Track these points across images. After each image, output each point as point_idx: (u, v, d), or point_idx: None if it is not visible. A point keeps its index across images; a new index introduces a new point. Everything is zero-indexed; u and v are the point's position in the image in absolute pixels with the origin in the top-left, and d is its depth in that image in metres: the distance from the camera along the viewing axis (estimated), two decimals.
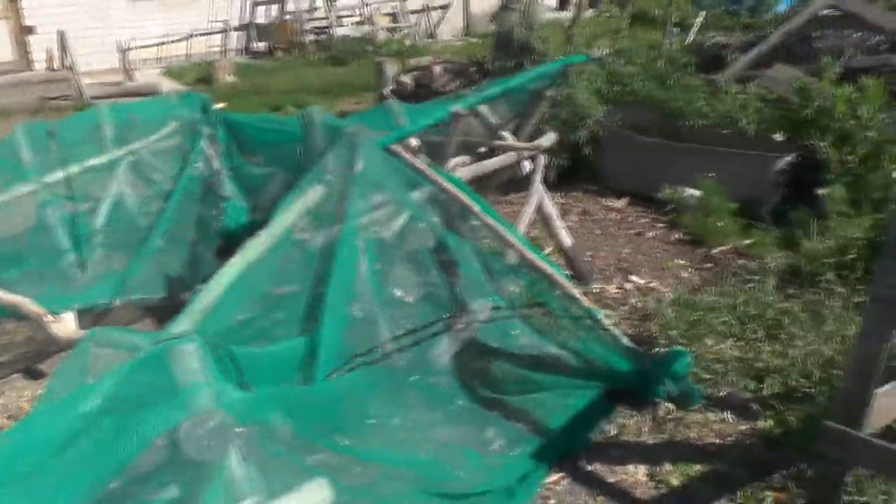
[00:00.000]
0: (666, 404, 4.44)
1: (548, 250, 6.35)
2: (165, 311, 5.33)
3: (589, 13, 18.64)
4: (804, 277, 5.72)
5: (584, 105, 7.96)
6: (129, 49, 16.99)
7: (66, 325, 4.61)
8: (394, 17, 20.80)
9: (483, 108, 5.55)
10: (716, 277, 6.07)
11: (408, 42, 19.39)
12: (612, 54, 9.43)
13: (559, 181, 8.16)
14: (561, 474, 4.03)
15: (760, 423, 4.33)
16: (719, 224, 6.80)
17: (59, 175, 6.30)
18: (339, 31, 19.02)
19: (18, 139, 6.19)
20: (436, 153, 5.17)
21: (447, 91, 9.37)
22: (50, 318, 4.49)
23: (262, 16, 19.37)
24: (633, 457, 4.14)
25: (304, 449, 2.92)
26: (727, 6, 15.69)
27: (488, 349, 4.52)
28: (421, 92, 9.95)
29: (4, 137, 6.31)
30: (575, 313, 4.45)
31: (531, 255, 4.49)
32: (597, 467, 4.08)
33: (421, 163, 4.58)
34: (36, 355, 5.39)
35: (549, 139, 6.11)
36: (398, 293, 4.37)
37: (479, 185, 5.77)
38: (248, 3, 19.11)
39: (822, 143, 6.76)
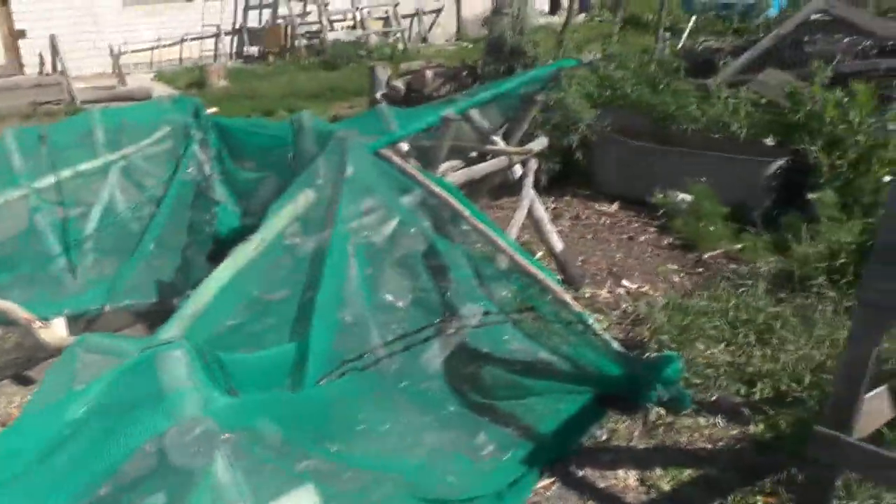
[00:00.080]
0: (657, 409, 4.44)
1: (539, 255, 6.35)
2: (157, 316, 5.32)
3: (581, 17, 18.69)
4: (795, 282, 5.73)
5: (575, 109, 7.96)
6: (121, 53, 16.96)
7: (55, 330, 4.60)
8: (386, 21, 20.80)
9: (474, 113, 5.55)
10: (707, 282, 6.08)
11: (400, 46, 19.40)
12: (603, 58, 9.44)
13: (551, 185, 8.17)
14: (551, 479, 4.02)
15: (751, 428, 4.34)
16: (711, 228, 6.81)
17: (50, 180, 6.28)
18: (332, 36, 19.01)
19: (9, 144, 6.17)
20: (427, 158, 5.17)
21: (439, 95, 9.36)
22: (38, 324, 4.48)
23: (254, 20, 19.34)
24: (624, 462, 4.13)
25: (293, 455, 2.91)
26: (718, 11, 15.73)
27: (479, 354, 4.51)
28: (413, 96, 9.95)
29: None
30: (566, 318, 4.45)
31: (522, 259, 4.49)
32: (587, 472, 4.08)
33: (411, 167, 4.58)
34: (26, 361, 5.37)
35: (539, 144, 6.12)
36: (389, 298, 4.36)
37: (471, 189, 5.77)
38: (240, 8, 19.08)
39: (812, 148, 6.78)
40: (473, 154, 5.77)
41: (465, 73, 10.21)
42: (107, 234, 6.39)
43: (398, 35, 20.31)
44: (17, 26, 15.83)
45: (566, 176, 8.36)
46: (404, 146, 4.93)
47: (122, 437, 2.42)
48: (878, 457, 3.22)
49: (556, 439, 4.20)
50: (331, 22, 19.45)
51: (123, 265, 6.16)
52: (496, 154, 5.71)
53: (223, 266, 3.77)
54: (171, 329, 3.07)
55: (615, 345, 4.51)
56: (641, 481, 4.00)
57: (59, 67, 15.78)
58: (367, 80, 11.64)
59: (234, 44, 19.21)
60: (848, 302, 5.22)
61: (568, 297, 4.54)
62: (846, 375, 3.33)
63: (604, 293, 6.05)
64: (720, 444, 4.25)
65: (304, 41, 19.00)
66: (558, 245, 6.03)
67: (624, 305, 5.78)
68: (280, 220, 4.16)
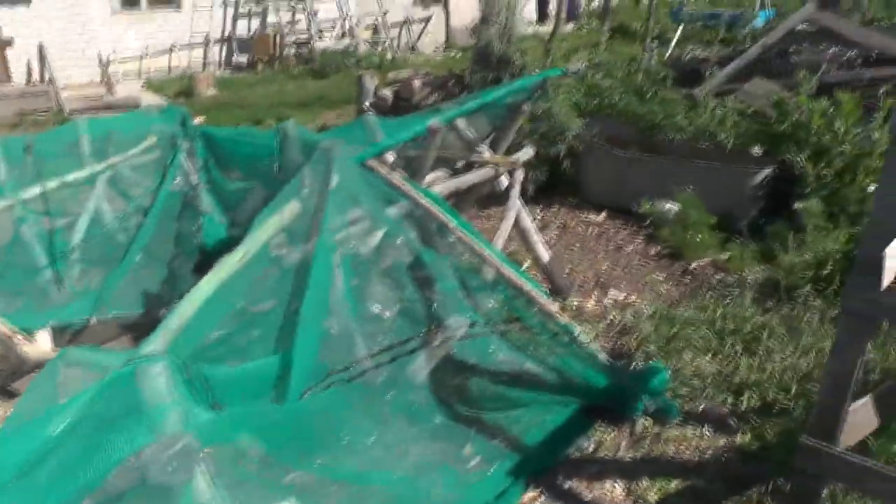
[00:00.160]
0: (643, 420, 4.44)
1: (526, 265, 6.35)
2: (143, 327, 5.28)
3: (569, 27, 18.75)
4: (782, 291, 5.75)
5: (562, 119, 7.97)
6: (109, 62, 16.91)
7: (39, 343, 4.56)
8: (375, 30, 20.82)
9: (460, 123, 5.54)
10: (694, 291, 6.10)
11: (389, 55, 19.40)
12: (590, 68, 9.46)
13: (538, 195, 8.17)
14: (538, 491, 4.02)
15: (738, 438, 4.35)
16: (698, 238, 6.82)
17: (35, 190, 6.25)
18: (321, 44, 19.01)
19: None
20: (413, 168, 5.16)
21: (427, 104, 9.37)
22: (20, 337, 4.45)
23: (243, 29, 19.31)
24: (611, 472, 4.13)
25: (277, 469, 2.89)
26: (705, 21, 15.82)
27: (465, 365, 4.49)
28: (401, 105, 9.95)
29: None
30: (552, 329, 4.44)
31: (508, 270, 4.48)
32: (574, 483, 4.07)
33: (397, 178, 4.57)
34: (10, 374, 5.31)
35: (526, 154, 6.12)
36: (375, 309, 4.34)
37: (457, 199, 5.77)
38: (229, 16, 19.05)
39: (798, 157, 6.80)
40: (460, 164, 5.76)
41: (452, 83, 10.22)
42: (93, 244, 6.36)
43: (387, 44, 20.32)
44: (4, 35, 15.75)
45: (553, 185, 8.36)
46: (390, 156, 4.92)
47: (102, 454, 2.40)
48: (862, 467, 3.23)
49: (542, 451, 4.19)
50: (320, 31, 19.46)
51: (110, 276, 6.13)
52: (482, 164, 5.70)
53: (207, 278, 3.75)
54: (155, 342, 3.05)
55: (602, 356, 4.50)
56: (628, 492, 4.00)
57: (46, 76, 15.71)
58: (356, 88, 11.64)
59: (224, 52, 19.17)
60: (834, 311, 5.23)
61: (554, 309, 4.53)
62: (831, 385, 3.34)
63: (591, 303, 6.05)
64: (707, 454, 4.25)
65: (293, 50, 18.99)
66: (545, 255, 6.03)
67: (611, 315, 5.77)
68: (265, 231, 4.14)
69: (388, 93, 10.53)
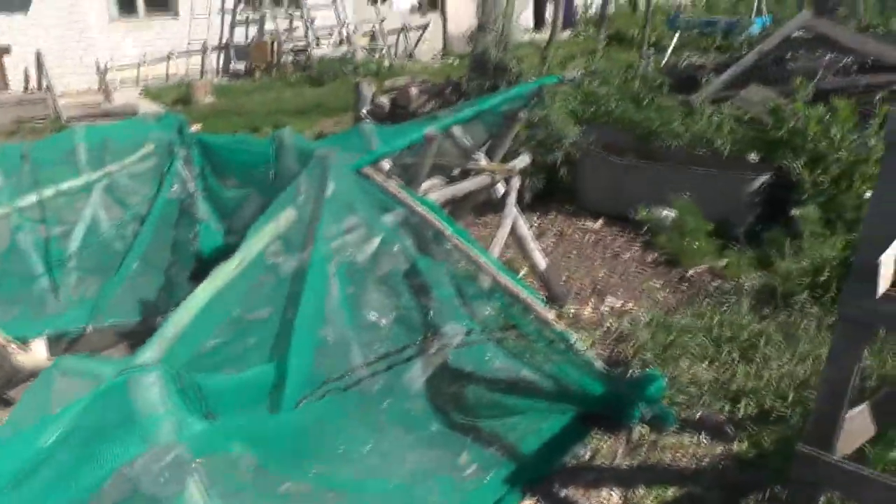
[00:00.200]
0: (640, 427, 4.43)
1: (523, 272, 6.34)
2: (140, 335, 5.24)
3: (566, 34, 18.77)
4: (779, 298, 5.74)
5: (559, 126, 7.98)
6: (107, 69, 16.93)
7: (35, 352, 4.55)
8: (372, 37, 20.85)
9: (456, 130, 5.54)
10: (691, 298, 6.09)
11: (386, 62, 19.44)
12: (587, 75, 9.47)
13: (535, 202, 8.17)
14: (534, 499, 4.00)
15: (735, 446, 4.34)
16: (695, 245, 6.82)
17: (32, 198, 6.24)
18: (318, 52, 19.04)
19: None
20: (409, 175, 5.15)
21: (424, 112, 9.37)
22: (13, 346, 4.43)
23: (240, 36, 19.34)
24: (607, 480, 4.12)
25: (272, 479, 2.88)
26: (702, 28, 15.85)
27: (462, 373, 4.49)
28: (398, 112, 9.95)
29: None
30: (548, 337, 4.43)
31: (504, 278, 4.47)
32: (570, 491, 4.06)
33: (393, 186, 4.57)
34: (6, 382, 5.30)
35: (522, 161, 6.11)
36: (371, 317, 4.34)
37: (454, 207, 5.77)
38: (226, 24, 19.09)
39: (795, 164, 6.81)
40: (456, 172, 5.76)
41: (449, 90, 10.23)
42: (90, 252, 6.34)
43: (384, 51, 20.35)
44: (2, 42, 15.76)
45: (550, 192, 8.37)
46: (386, 164, 4.92)
47: (94, 464, 2.39)
48: (859, 476, 3.22)
49: (538, 458, 4.18)
50: (317, 38, 19.49)
51: (106, 284, 6.11)
52: (479, 172, 5.70)
53: (203, 286, 3.74)
54: (149, 352, 3.04)
55: (598, 363, 4.50)
56: (625, 500, 3.99)
57: (44, 84, 15.72)
58: (353, 96, 11.65)
59: (221, 60, 19.20)
60: (831, 318, 5.23)
61: (550, 316, 4.53)
62: (827, 393, 3.33)
63: (588, 310, 6.04)
64: (704, 462, 4.24)
65: (291, 57, 19.01)
66: (542, 263, 6.02)
67: (608, 323, 5.77)
68: (261, 239, 4.14)
69: (385, 100, 10.53)
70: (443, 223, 4.52)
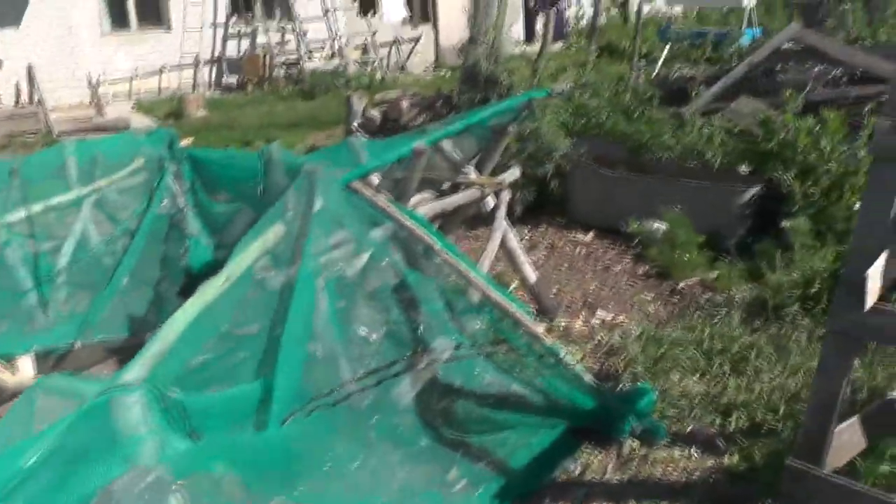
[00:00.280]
0: (631, 442, 4.41)
1: (514, 285, 6.33)
2: (129, 351, 5.18)
3: (557, 46, 18.83)
4: (770, 310, 5.74)
5: (550, 139, 7.98)
6: (99, 83, 16.92)
7: (21, 369, 4.52)
8: (364, 50, 20.87)
9: (446, 144, 5.53)
10: (682, 311, 6.09)
11: (378, 75, 19.46)
12: (577, 87, 9.48)
13: (526, 215, 8.17)
14: None
15: (726, 460, 4.31)
16: (686, 257, 6.82)
17: (21, 214, 6.21)
18: (310, 65, 19.06)
19: None
20: (398, 190, 5.14)
21: (415, 125, 9.37)
22: None
23: (233, 49, 19.35)
24: (598, 495, 4.09)
25: (257, 498, 2.86)
26: (692, 39, 15.90)
27: (451, 388, 4.46)
28: (389, 126, 9.95)
29: None
30: (538, 351, 4.42)
31: (493, 292, 4.45)
32: None
33: (382, 200, 4.55)
34: None
35: (512, 174, 6.11)
36: (360, 332, 4.31)
37: (444, 220, 5.76)
38: (218, 37, 19.10)
39: (785, 176, 6.81)
40: (446, 185, 5.75)
41: (440, 103, 10.24)
42: (79, 268, 6.30)
43: (376, 64, 20.37)
44: None
45: (541, 205, 8.36)
46: (375, 178, 4.91)
47: (76, 485, 2.36)
48: (849, 490, 3.21)
49: (528, 473, 4.16)
50: (309, 51, 19.50)
51: (96, 299, 6.08)
52: (468, 185, 5.70)
53: (190, 303, 3.72)
54: (133, 370, 3.01)
55: (588, 377, 4.48)
56: None
57: (36, 98, 15.70)
58: (345, 109, 11.64)
59: (213, 73, 19.21)
60: (822, 330, 5.21)
61: (540, 330, 4.51)
62: (817, 407, 3.32)
63: (578, 324, 6.03)
64: (695, 476, 4.22)
65: (283, 70, 19.02)
66: (532, 276, 6.01)
67: (598, 336, 5.75)
68: (248, 254, 4.12)
69: (376, 113, 10.53)
70: (432, 237, 4.50)
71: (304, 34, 19.29)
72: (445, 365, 4.40)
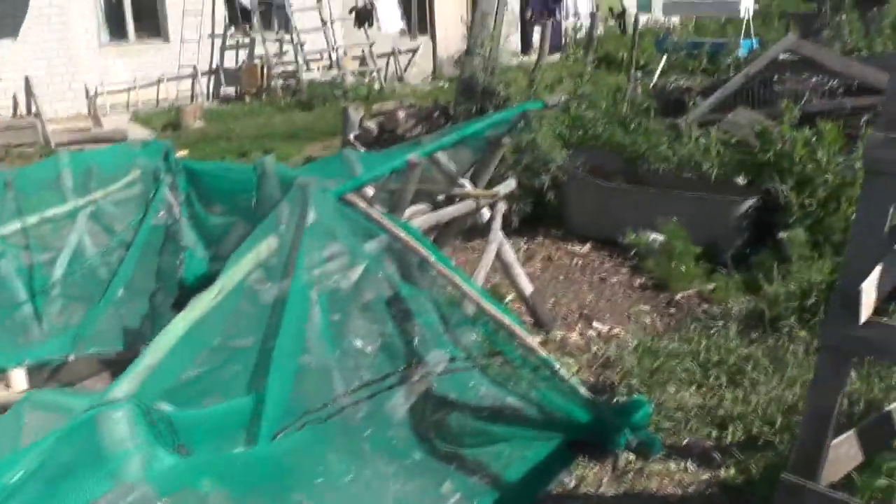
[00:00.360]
0: (626, 454, 4.38)
1: (509, 298, 6.31)
2: (124, 364, 5.17)
3: (554, 56, 18.84)
4: (766, 322, 5.72)
5: (546, 150, 7.96)
6: (97, 94, 16.90)
7: (13, 382, 4.49)
8: (362, 60, 20.88)
9: (441, 156, 5.53)
10: (679, 323, 6.07)
11: (376, 86, 19.47)
12: (574, 98, 9.48)
13: (523, 226, 8.15)
14: None
15: (722, 472, 4.29)
16: (682, 268, 6.80)
17: (16, 226, 6.20)
18: (308, 76, 19.05)
19: None
20: (393, 202, 5.13)
21: (412, 136, 9.37)
22: None
23: (230, 60, 19.35)
24: None
25: None
26: (690, 50, 15.90)
27: (446, 401, 4.43)
28: (385, 137, 9.94)
29: None
30: (533, 363, 4.39)
31: (487, 305, 4.44)
32: None
33: (376, 212, 4.54)
34: None
35: (507, 186, 6.10)
36: (353, 345, 4.29)
37: (439, 233, 5.75)
38: (216, 48, 19.10)
39: (782, 187, 6.80)
40: (441, 197, 5.74)
41: (437, 114, 10.23)
42: (74, 280, 6.29)
43: (374, 75, 20.38)
44: None
45: (538, 217, 8.35)
46: (370, 190, 4.90)
47: (61, 502, 2.34)
48: None
49: (523, 486, 4.13)
50: (307, 62, 19.50)
51: (90, 312, 6.06)
52: (463, 197, 5.69)
53: (181, 316, 3.71)
54: (122, 385, 3.00)
55: (583, 390, 4.45)
56: None
57: (33, 109, 15.69)
58: (342, 120, 11.63)
59: (211, 84, 19.20)
60: (818, 342, 5.20)
61: (535, 343, 4.49)
62: (812, 421, 3.30)
63: (574, 336, 6.01)
64: (690, 489, 4.19)
65: (281, 81, 19.02)
66: (528, 288, 5.99)
67: (595, 348, 5.73)
68: (241, 267, 4.11)
69: (372, 124, 10.52)
70: (427, 250, 4.49)
71: (302, 45, 19.29)
72: (440, 378, 4.37)
